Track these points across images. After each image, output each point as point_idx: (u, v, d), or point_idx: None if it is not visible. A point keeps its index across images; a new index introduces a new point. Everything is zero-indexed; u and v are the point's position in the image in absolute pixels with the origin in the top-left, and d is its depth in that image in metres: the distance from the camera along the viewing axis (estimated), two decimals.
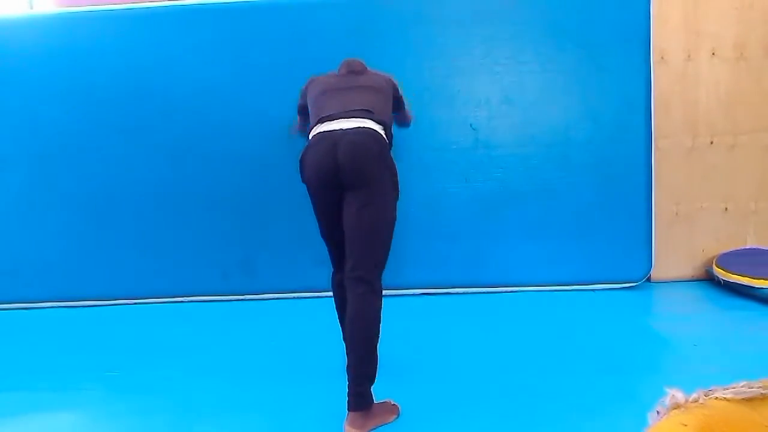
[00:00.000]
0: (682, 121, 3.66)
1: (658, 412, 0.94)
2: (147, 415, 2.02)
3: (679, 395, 0.93)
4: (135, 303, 3.63)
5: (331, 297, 3.04)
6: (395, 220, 2.18)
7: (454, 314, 3.22)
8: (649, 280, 3.63)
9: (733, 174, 3.67)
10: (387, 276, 3.09)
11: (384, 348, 2.63)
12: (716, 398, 0.92)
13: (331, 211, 2.07)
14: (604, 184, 3.54)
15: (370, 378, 1.90)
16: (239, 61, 3.55)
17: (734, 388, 0.94)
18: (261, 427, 1.91)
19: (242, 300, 3.63)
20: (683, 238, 3.71)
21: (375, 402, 1.91)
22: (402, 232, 3.13)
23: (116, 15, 3.57)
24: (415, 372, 2.33)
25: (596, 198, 3.54)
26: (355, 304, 1.95)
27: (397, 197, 2.18)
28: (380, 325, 1.95)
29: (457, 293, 3.57)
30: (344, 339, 1.98)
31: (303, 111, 2.47)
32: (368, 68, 2.44)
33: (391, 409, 1.96)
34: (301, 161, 2.10)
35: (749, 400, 0.91)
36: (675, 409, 0.92)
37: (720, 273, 3.40)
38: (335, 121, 2.06)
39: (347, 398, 1.87)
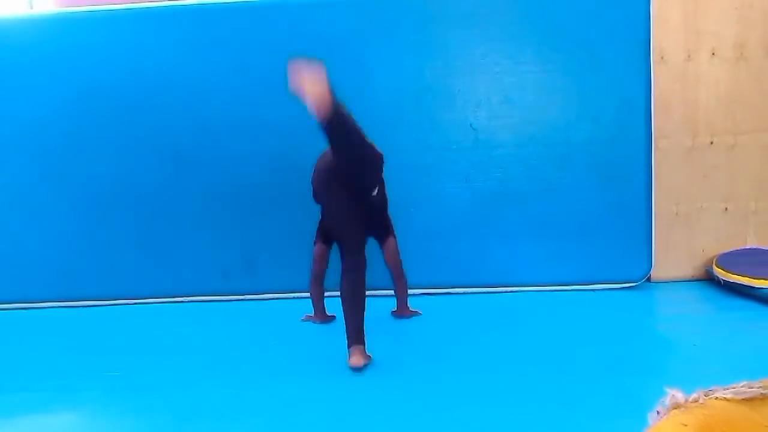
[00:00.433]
0: (682, 121, 3.65)
1: (658, 412, 0.94)
2: (147, 415, 2.02)
3: (679, 395, 0.93)
4: (135, 303, 3.63)
5: (330, 297, 3.05)
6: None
7: (454, 314, 3.21)
8: (649, 280, 3.63)
9: (733, 174, 3.67)
10: (386, 276, 3.11)
11: (384, 348, 2.64)
12: (716, 398, 0.92)
13: None
14: (604, 184, 3.54)
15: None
16: (239, 61, 3.55)
17: (734, 388, 0.93)
18: (261, 426, 1.91)
19: (242, 300, 3.63)
20: (683, 238, 3.71)
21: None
22: (402, 232, 3.15)
23: (116, 15, 3.57)
24: (415, 372, 2.33)
25: (596, 198, 3.54)
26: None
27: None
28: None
29: (457, 293, 3.57)
30: None
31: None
32: None
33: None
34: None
35: (749, 400, 0.91)
36: (675, 409, 0.92)
37: (720, 273, 3.40)
38: None
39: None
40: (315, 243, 3.04)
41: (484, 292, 3.56)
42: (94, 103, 3.59)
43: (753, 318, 2.92)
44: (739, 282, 3.24)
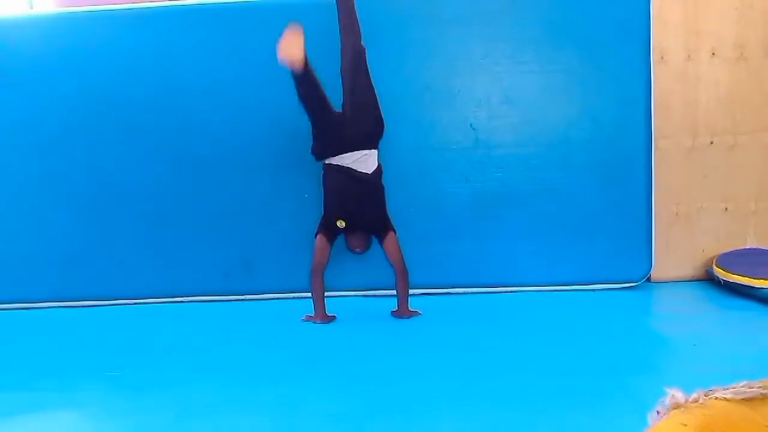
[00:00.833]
0: (682, 121, 3.65)
1: (658, 412, 0.94)
2: (147, 415, 2.02)
3: (679, 395, 0.93)
4: (135, 303, 3.63)
5: (330, 297, 3.06)
6: None
7: (454, 314, 3.21)
8: (649, 280, 3.63)
9: (733, 174, 3.67)
10: (387, 276, 3.11)
11: (384, 348, 2.64)
12: (716, 398, 0.92)
13: None
14: (604, 184, 3.54)
15: None
16: (239, 62, 3.55)
17: (734, 388, 0.93)
18: (261, 427, 1.91)
19: (242, 300, 3.63)
20: (683, 238, 3.71)
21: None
22: (402, 232, 3.16)
23: (116, 15, 3.57)
24: (415, 372, 2.33)
25: (596, 198, 3.54)
26: None
27: None
28: None
29: (458, 293, 3.57)
30: None
31: None
32: None
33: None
34: None
35: (749, 400, 0.91)
36: (675, 409, 0.92)
37: (720, 273, 3.40)
38: None
39: None
40: (317, 234, 3.06)
41: (484, 292, 3.56)
42: (94, 103, 3.59)
43: (753, 318, 2.92)
44: (739, 282, 3.24)
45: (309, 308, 3.09)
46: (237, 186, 3.60)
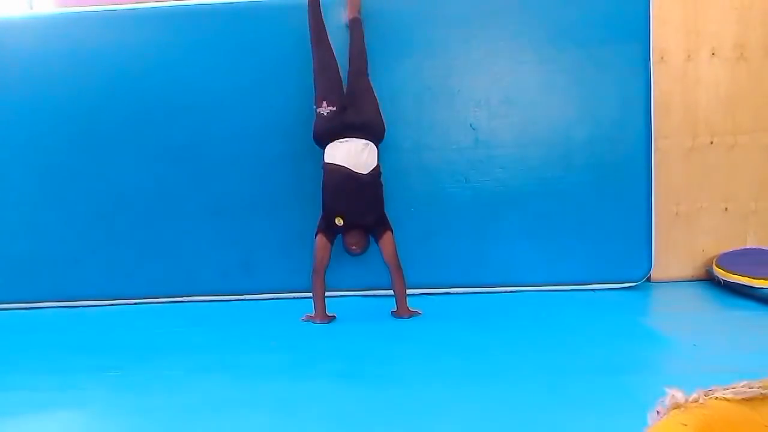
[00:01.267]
0: (682, 121, 3.66)
1: (658, 412, 0.94)
2: (147, 415, 2.02)
3: (679, 395, 0.93)
4: (135, 303, 3.63)
5: (331, 297, 3.06)
6: None
7: (454, 314, 3.21)
8: (649, 280, 3.63)
9: (733, 174, 3.67)
10: (387, 276, 3.11)
11: (383, 348, 2.64)
12: (716, 398, 0.92)
13: None
14: (604, 184, 3.54)
15: None
16: (239, 62, 3.55)
17: (734, 388, 0.94)
18: (261, 426, 1.91)
19: (242, 300, 3.63)
20: (683, 238, 3.71)
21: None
22: (402, 231, 3.16)
23: (116, 15, 3.57)
24: (415, 372, 2.33)
25: (596, 198, 3.54)
26: None
27: None
28: None
29: (457, 293, 3.57)
30: None
31: None
32: None
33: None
34: None
35: (749, 400, 0.91)
36: (675, 409, 0.92)
37: (720, 273, 3.40)
38: None
39: None
40: (317, 234, 3.07)
41: (484, 292, 3.56)
42: (94, 103, 3.59)
43: (753, 318, 2.92)
44: (739, 282, 3.24)
45: (309, 308, 3.09)
46: (237, 186, 3.60)
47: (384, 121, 3.19)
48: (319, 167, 3.16)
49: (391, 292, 3.14)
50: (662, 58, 3.60)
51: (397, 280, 3.08)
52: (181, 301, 3.64)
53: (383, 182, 3.14)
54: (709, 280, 3.60)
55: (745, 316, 2.95)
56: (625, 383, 2.10)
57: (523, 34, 3.51)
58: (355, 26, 3.39)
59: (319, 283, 3.04)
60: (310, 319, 3.08)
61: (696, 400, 0.92)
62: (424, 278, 3.48)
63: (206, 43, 3.56)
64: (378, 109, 3.19)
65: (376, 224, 3.08)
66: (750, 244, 3.69)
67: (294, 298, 3.49)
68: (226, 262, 3.64)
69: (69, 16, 3.63)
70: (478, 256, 3.58)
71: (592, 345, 2.57)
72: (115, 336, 3.07)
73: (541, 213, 3.55)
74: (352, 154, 3.05)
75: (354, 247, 3.09)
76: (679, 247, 3.71)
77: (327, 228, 3.06)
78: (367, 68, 3.30)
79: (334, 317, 3.08)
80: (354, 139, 3.07)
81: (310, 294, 3.08)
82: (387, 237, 3.06)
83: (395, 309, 3.12)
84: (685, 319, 3.01)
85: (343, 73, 3.28)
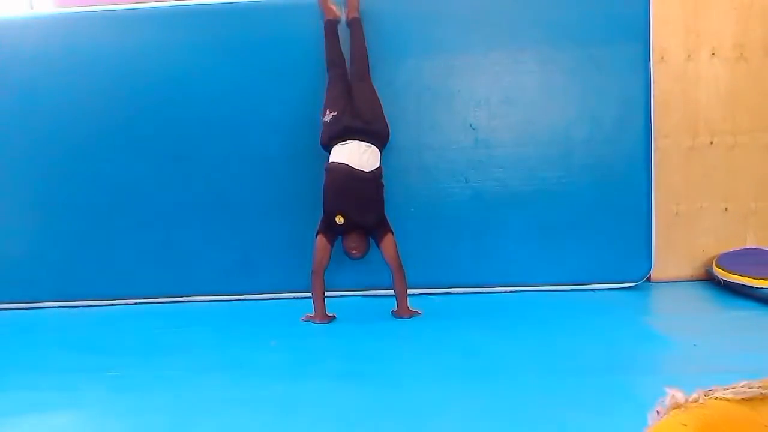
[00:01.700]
0: (682, 121, 3.66)
1: (658, 412, 0.94)
2: (147, 415, 2.02)
3: (679, 395, 0.93)
4: (135, 303, 3.63)
5: (330, 297, 3.06)
6: None
7: (454, 314, 3.21)
8: (649, 280, 3.63)
9: (733, 174, 3.67)
10: (387, 276, 3.11)
11: (383, 348, 2.64)
12: (716, 398, 0.92)
13: None
14: (604, 184, 3.54)
15: None
16: (239, 62, 3.55)
17: (734, 388, 0.93)
18: (260, 427, 1.91)
19: (242, 300, 3.63)
20: (683, 238, 3.71)
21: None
22: (402, 231, 3.15)
23: (116, 15, 3.57)
24: (415, 372, 2.33)
25: (596, 198, 3.54)
26: None
27: None
28: None
29: (457, 293, 3.57)
30: None
31: None
32: None
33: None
34: None
35: (749, 400, 0.91)
36: (675, 409, 0.92)
37: (720, 273, 3.40)
38: None
39: None
40: (317, 234, 3.07)
41: (484, 292, 3.56)
42: (94, 103, 3.58)
43: (753, 318, 2.92)
44: (739, 282, 3.24)
45: (309, 308, 3.09)
46: (237, 186, 3.60)
47: (388, 125, 3.22)
48: (319, 167, 3.16)
49: (391, 291, 3.15)
50: (662, 57, 3.60)
51: (399, 279, 3.08)
52: (181, 301, 3.64)
53: (384, 184, 3.14)
54: (709, 280, 3.60)
55: (745, 316, 2.94)
56: (625, 383, 2.10)
57: (523, 34, 3.52)
58: (356, 27, 3.39)
59: (318, 283, 3.04)
60: (310, 319, 3.08)
61: (696, 400, 0.92)
62: (424, 278, 3.48)
63: (206, 43, 3.56)
64: (382, 113, 3.22)
65: (377, 226, 3.07)
66: (750, 244, 3.69)
67: (294, 298, 3.49)
68: (226, 262, 3.64)
69: (69, 16, 3.63)
70: (478, 256, 3.58)
71: (591, 345, 2.57)
72: (115, 336, 3.06)
73: (541, 213, 3.55)
74: (354, 153, 3.07)
75: (354, 251, 3.08)
76: (679, 247, 3.71)
77: (327, 229, 3.06)
78: (368, 70, 3.32)
79: (334, 317, 3.08)
80: (356, 141, 3.09)
81: (310, 294, 3.08)
82: (388, 239, 3.06)
83: (395, 309, 3.12)
84: (685, 319, 3.01)
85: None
